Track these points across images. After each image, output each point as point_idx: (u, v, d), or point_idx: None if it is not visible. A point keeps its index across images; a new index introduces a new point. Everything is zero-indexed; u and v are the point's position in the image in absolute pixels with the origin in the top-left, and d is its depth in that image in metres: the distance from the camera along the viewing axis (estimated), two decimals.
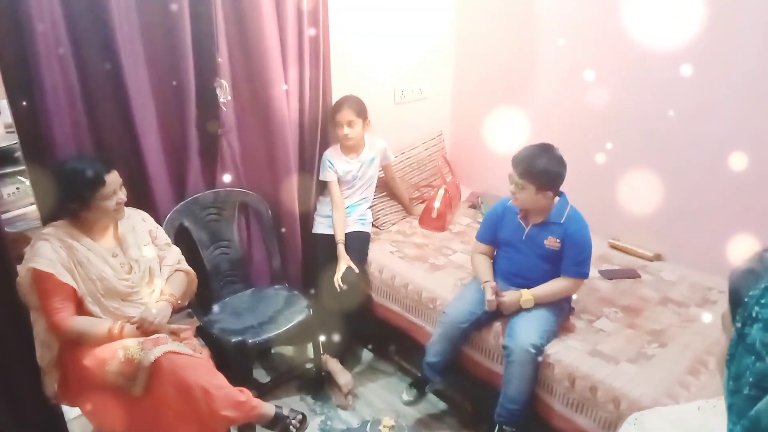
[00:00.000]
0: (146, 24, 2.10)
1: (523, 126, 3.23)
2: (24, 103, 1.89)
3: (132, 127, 2.12)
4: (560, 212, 2.20)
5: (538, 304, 2.18)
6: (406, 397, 2.59)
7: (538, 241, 2.22)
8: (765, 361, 0.55)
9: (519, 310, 2.20)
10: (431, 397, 2.62)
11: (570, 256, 2.18)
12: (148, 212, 2.19)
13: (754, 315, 0.58)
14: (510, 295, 2.19)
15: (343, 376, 2.65)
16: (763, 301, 0.58)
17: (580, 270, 2.19)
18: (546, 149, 2.13)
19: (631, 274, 2.65)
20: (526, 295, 2.17)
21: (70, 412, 2.30)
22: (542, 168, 2.08)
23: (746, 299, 0.60)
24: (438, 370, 2.38)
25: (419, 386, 2.57)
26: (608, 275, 2.63)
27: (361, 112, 2.75)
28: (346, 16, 2.77)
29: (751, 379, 0.56)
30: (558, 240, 2.18)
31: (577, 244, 2.17)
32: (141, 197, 2.22)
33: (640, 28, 2.61)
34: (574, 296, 2.32)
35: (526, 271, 2.27)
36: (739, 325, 0.60)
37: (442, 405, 2.58)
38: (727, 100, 2.43)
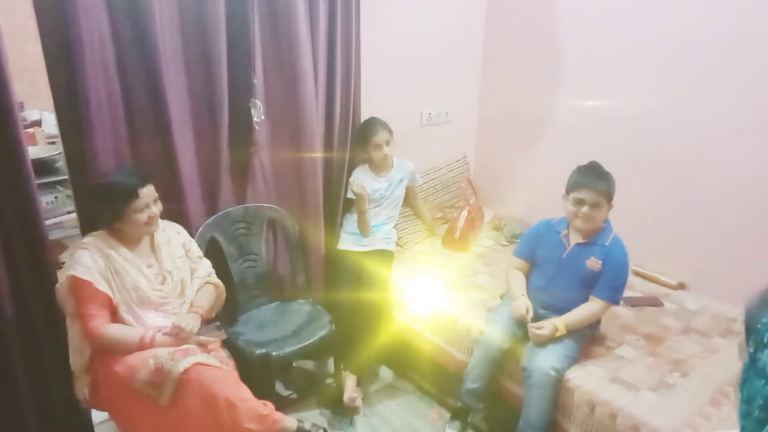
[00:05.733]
0: (187, 45, 2.20)
1: (547, 151, 3.27)
2: (70, 116, 1.98)
3: (170, 143, 2.20)
4: (606, 235, 2.22)
5: None
6: (449, 431, 2.43)
7: (580, 260, 2.23)
8: None
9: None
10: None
11: (607, 279, 2.19)
12: (181, 225, 2.26)
13: (765, 341, 0.61)
14: (547, 329, 2.14)
15: (350, 390, 2.60)
16: None
17: (613, 295, 2.21)
18: (597, 164, 2.22)
19: (654, 302, 2.64)
20: (561, 329, 2.14)
21: (97, 417, 2.36)
22: (613, 181, 2.17)
23: (759, 326, 0.63)
24: (479, 396, 2.34)
25: (461, 417, 2.43)
26: (631, 302, 2.63)
27: (391, 130, 2.83)
28: (376, 40, 2.85)
29: (760, 402, 0.59)
30: (600, 261, 2.19)
31: (617, 269, 2.19)
32: (175, 210, 2.29)
33: (663, 56, 2.65)
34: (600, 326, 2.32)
35: (557, 289, 2.27)
36: (751, 350, 0.63)
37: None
38: (752, 129, 2.44)
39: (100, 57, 1.97)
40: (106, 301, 1.92)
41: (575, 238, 2.26)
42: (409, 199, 3.14)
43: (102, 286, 1.90)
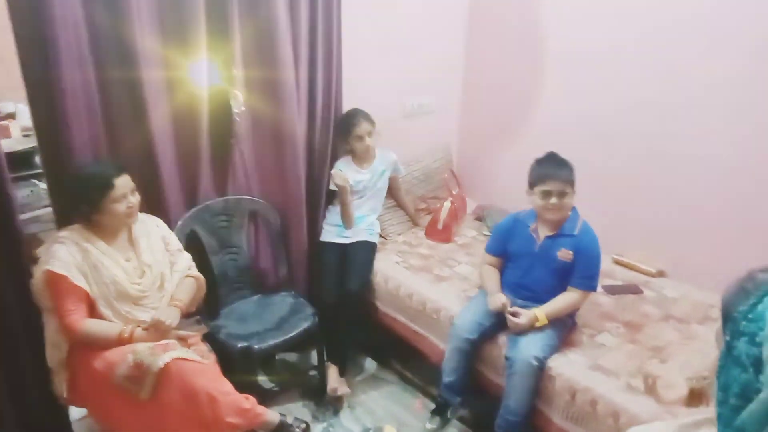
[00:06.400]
0: (165, 35, 2.16)
1: (530, 142, 3.27)
2: (44, 108, 1.93)
3: (148, 135, 2.17)
4: (573, 224, 2.24)
5: None
6: (429, 425, 2.45)
7: (551, 253, 2.24)
8: (749, 372, 0.58)
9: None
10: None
11: (581, 269, 2.22)
12: (160, 218, 2.23)
13: (741, 329, 0.61)
14: (526, 318, 2.16)
15: (333, 381, 2.62)
16: (750, 316, 0.61)
17: (589, 283, 2.23)
18: (555, 154, 2.24)
19: (634, 290, 2.67)
20: (542, 319, 2.16)
21: (76, 413, 2.33)
22: (573, 167, 2.19)
23: (735, 314, 0.63)
24: (456, 390, 2.36)
25: (441, 413, 2.46)
26: (611, 290, 2.65)
27: (373, 121, 2.82)
28: (358, 29, 2.82)
29: (736, 390, 0.59)
30: (571, 252, 2.21)
31: (589, 257, 2.21)
32: (154, 203, 2.26)
33: (645, 48, 2.67)
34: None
35: (533, 283, 2.29)
36: (728, 338, 0.63)
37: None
38: (731, 120, 2.47)
39: (75, 47, 1.92)
40: (83, 295, 1.89)
41: (544, 231, 2.28)
42: (392, 190, 3.14)
43: (79, 280, 1.87)
